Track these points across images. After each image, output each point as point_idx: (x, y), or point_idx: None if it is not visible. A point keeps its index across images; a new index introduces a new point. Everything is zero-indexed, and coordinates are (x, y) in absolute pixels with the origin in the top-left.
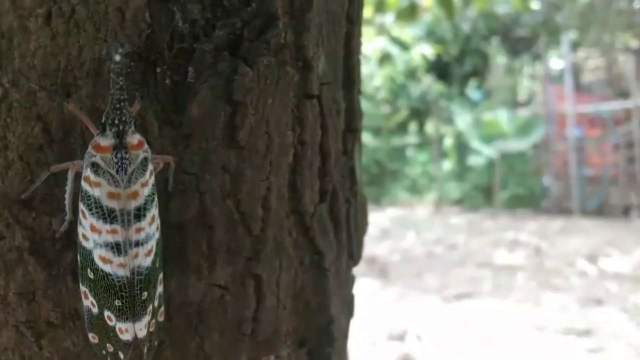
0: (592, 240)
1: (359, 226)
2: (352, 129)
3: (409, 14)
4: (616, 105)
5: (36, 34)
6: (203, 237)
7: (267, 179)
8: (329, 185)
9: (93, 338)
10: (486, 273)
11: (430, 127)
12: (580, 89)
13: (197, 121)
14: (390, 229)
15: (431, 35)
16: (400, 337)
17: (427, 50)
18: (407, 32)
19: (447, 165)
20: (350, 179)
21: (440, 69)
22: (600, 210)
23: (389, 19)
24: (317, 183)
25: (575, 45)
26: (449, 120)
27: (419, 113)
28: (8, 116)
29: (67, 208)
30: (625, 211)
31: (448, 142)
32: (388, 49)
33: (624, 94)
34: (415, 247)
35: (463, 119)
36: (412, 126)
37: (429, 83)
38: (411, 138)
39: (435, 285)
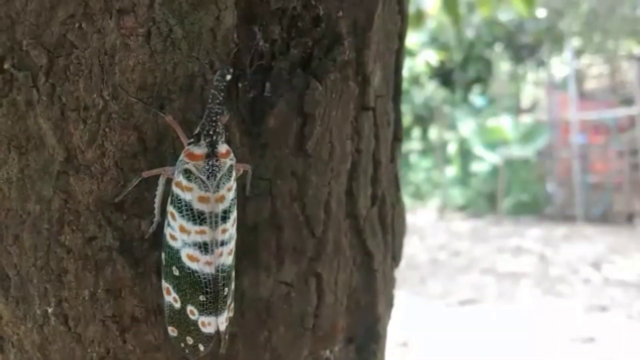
0: (596, 247)
1: (399, 230)
2: (397, 138)
3: (416, 20)
4: (620, 112)
5: (136, 52)
6: (273, 237)
7: (329, 184)
8: (379, 191)
9: (172, 331)
10: (490, 280)
11: (433, 133)
12: (583, 95)
13: (273, 132)
14: None
15: (435, 41)
16: (404, 344)
17: (431, 57)
18: (411, 39)
19: (451, 171)
20: (395, 185)
21: (444, 75)
22: (604, 217)
23: None
24: (369, 189)
25: (578, 52)
26: (452, 127)
27: (423, 119)
28: (107, 126)
29: (156, 211)
30: (629, 218)
31: (452, 148)
32: None
33: (628, 101)
34: (419, 254)
35: (467, 125)
36: (416, 132)
37: (432, 89)
38: (415, 144)
39: (439, 291)
